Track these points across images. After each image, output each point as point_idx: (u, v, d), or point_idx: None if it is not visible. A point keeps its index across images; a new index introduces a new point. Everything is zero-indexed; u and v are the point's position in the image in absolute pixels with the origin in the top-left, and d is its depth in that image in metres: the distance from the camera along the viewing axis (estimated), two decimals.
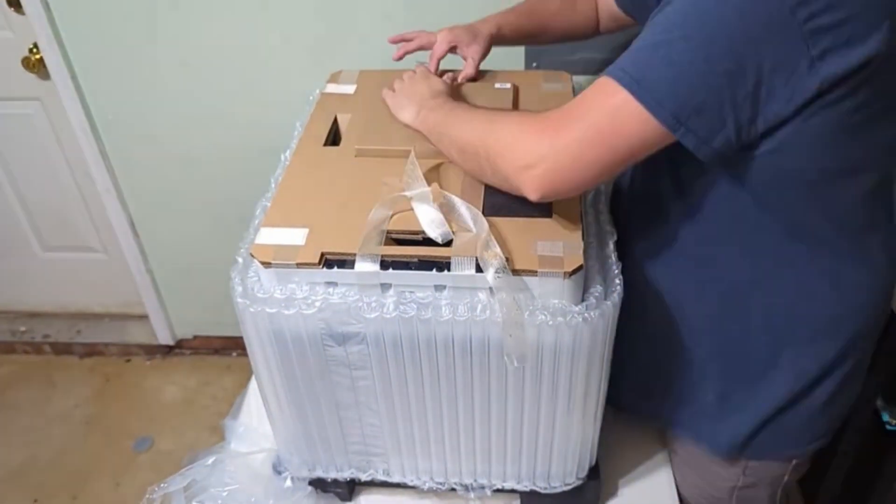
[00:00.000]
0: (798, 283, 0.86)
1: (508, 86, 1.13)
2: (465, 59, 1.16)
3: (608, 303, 0.83)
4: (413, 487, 1.07)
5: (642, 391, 1.06)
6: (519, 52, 1.60)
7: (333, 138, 1.07)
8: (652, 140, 0.72)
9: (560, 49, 1.23)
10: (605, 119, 0.73)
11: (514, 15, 1.18)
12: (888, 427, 1.46)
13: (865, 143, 0.75)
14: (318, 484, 1.08)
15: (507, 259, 0.81)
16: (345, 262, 0.83)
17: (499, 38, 1.16)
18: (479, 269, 0.81)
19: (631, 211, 0.98)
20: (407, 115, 1.00)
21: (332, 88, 1.17)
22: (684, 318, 0.95)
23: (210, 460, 1.08)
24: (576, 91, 1.16)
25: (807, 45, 0.65)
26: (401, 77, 1.08)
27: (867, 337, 0.94)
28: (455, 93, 1.09)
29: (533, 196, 0.77)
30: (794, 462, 1.02)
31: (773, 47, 0.66)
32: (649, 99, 0.69)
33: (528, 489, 1.05)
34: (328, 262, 0.84)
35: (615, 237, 0.92)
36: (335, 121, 1.09)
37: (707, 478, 1.07)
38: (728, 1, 0.67)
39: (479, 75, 1.18)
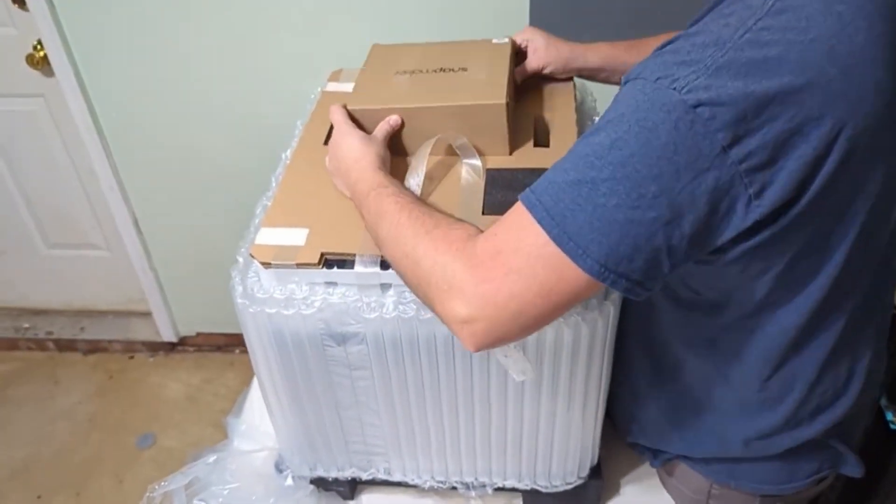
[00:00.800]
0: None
1: (506, 40, 1.08)
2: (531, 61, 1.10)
3: (608, 302, 0.83)
4: (414, 486, 1.07)
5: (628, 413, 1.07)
6: None
7: None
8: (585, 287, 0.65)
9: (566, 37, 1.22)
10: (537, 271, 0.65)
11: (618, 55, 1.11)
12: (892, 426, 1.46)
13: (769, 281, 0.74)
14: (320, 483, 1.08)
15: None
16: (345, 263, 0.83)
17: (590, 74, 1.12)
18: None
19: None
20: (339, 185, 0.92)
21: (332, 87, 1.17)
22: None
23: (212, 458, 1.08)
24: (577, 88, 1.15)
25: (743, 184, 0.61)
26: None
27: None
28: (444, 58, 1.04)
29: (472, 349, 0.70)
30: (759, 497, 0.98)
31: (706, 186, 0.61)
32: (573, 247, 0.63)
33: (529, 488, 1.05)
34: (328, 262, 0.84)
35: None
36: None
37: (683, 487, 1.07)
38: (652, 143, 0.61)
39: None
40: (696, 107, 0.59)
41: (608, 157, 0.62)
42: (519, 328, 0.68)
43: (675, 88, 0.60)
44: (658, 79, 0.62)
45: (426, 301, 0.73)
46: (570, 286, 0.65)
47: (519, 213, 0.67)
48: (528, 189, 0.67)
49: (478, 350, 0.70)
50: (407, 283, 0.77)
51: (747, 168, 0.60)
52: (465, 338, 0.69)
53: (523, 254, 0.65)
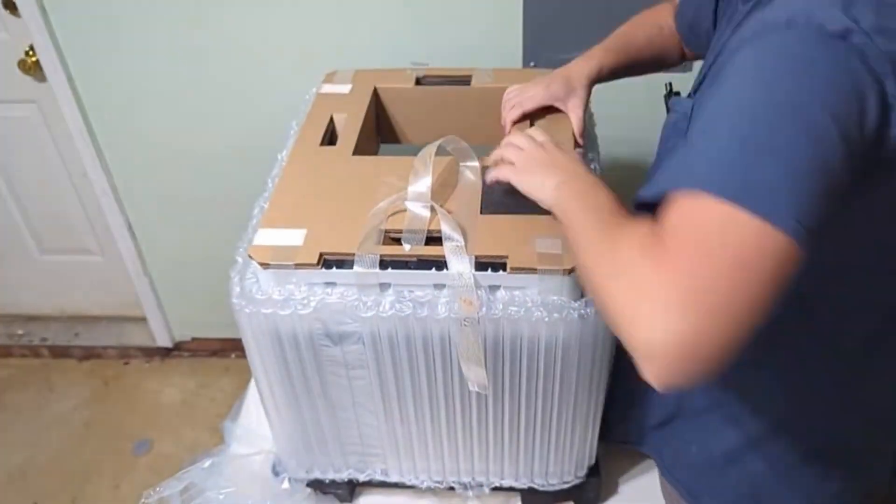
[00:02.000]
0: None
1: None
2: (567, 112, 1.06)
3: None
4: (411, 487, 1.07)
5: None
6: (516, 50, 1.60)
7: (330, 138, 1.07)
8: (786, 256, 0.56)
9: (557, 48, 1.23)
10: (738, 256, 0.56)
11: (611, 54, 1.06)
12: None
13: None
14: (317, 485, 1.08)
15: (505, 259, 0.81)
16: (343, 263, 0.83)
17: (596, 81, 1.07)
18: (479, 268, 0.81)
19: None
20: (549, 182, 0.82)
21: (327, 88, 1.17)
22: None
23: (207, 463, 1.08)
24: None
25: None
26: (509, 143, 0.92)
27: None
28: None
29: (657, 382, 0.58)
30: None
31: (870, 105, 0.58)
32: (769, 207, 0.56)
33: (526, 487, 1.05)
34: (326, 262, 0.83)
35: None
36: (331, 120, 1.08)
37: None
38: (813, 77, 0.58)
39: (471, 78, 1.17)
40: (842, 36, 0.58)
41: (770, 107, 0.58)
42: (722, 343, 0.56)
43: (813, 23, 0.59)
44: (788, 21, 0.60)
45: (605, 310, 0.63)
46: (770, 257, 0.56)
47: (686, 206, 0.59)
48: (676, 177, 0.61)
49: (665, 386, 0.58)
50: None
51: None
52: (655, 364, 0.57)
53: (710, 240, 0.57)
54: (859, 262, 0.72)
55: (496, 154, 0.93)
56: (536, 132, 0.92)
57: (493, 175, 0.90)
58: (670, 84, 0.92)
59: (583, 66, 1.05)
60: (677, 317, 0.55)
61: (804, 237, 0.56)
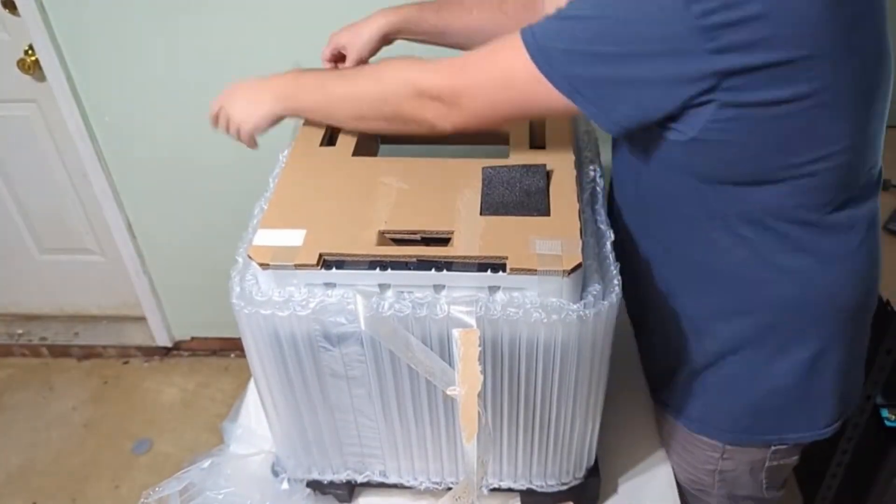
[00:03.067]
0: (772, 269, 0.88)
1: None
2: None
3: (605, 302, 0.83)
4: (410, 488, 1.07)
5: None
6: None
7: (330, 138, 1.07)
8: (548, 102, 0.79)
9: None
10: (504, 75, 0.81)
11: (422, 12, 1.14)
12: (887, 423, 1.46)
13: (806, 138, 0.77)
14: (316, 486, 1.08)
15: (504, 260, 0.81)
16: (343, 263, 0.83)
17: (394, 34, 1.15)
18: (478, 269, 0.81)
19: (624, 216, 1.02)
20: (266, 103, 1.01)
21: None
22: (678, 310, 0.98)
23: (206, 463, 1.08)
24: None
25: (702, 38, 0.69)
26: (212, 104, 1.10)
27: (841, 332, 0.94)
28: None
29: (447, 130, 0.88)
30: (772, 448, 1.03)
31: (667, 36, 0.70)
32: (547, 67, 0.76)
33: (524, 488, 1.05)
34: (326, 263, 0.83)
35: (612, 237, 0.92)
36: None
37: (691, 459, 1.09)
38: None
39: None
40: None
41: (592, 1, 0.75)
42: (486, 110, 0.85)
43: None
44: None
45: (393, 113, 0.90)
46: (536, 96, 0.80)
47: (506, 40, 0.81)
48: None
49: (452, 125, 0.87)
50: (367, 117, 0.94)
51: (706, 24, 0.68)
52: (437, 117, 0.86)
53: (496, 62, 0.82)
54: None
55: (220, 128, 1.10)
56: None
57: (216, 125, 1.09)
58: None
59: (377, 18, 1.14)
60: (447, 86, 0.85)
61: (573, 94, 0.77)
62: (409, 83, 0.87)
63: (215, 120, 1.08)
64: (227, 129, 1.07)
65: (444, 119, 0.86)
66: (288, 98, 0.99)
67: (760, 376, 0.96)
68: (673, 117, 0.77)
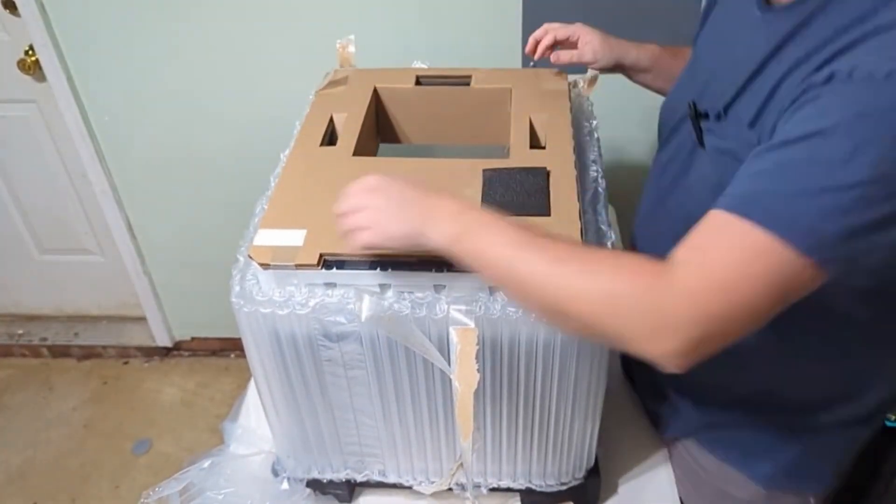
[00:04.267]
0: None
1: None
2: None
3: None
4: (409, 487, 1.07)
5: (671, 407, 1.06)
6: (516, 50, 1.60)
7: (330, 138, 1.07)
8: (811, 285, 0.64)
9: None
10: (765, 287, 0.63)
11: (664, 59, 1.13)
12: (887, 423, 1.46)
13: None
14: (316, 486, 1.08)
15: None
16: (344, 264, 0.83)
17: (627, 61, 1.13)
18: None
19: None
20: (432, 237, 0.73)
21: (327, 88, 1.17)
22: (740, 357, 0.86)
23: (206, 463, 1.08)
24: (570, 87, 1.15)
25: None
26: (349, 194, 0.79)
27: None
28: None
29: (681, 368, 0.66)
30: (811, 499, 1.00)
31: None
32: (825, 254, 0.62)
33: (524, 487, 1.05)
34: (327, 263, 0.83)
35: (614, 237, 0.92)
36: (331, 120, 1.08)
37: (710, 494, 1.05)
38: None
39: (471, 78, 1.17)
40: None
41: (854, 162, 0.59)
42: (728, 334, 0.65)
43: None
44: (889, 74, 0.60)
45: (613, 342, 0.67)
46: (796, 284, 0.63)
47: (728, 231, 0.64)
48: (732, 198, 0.65)
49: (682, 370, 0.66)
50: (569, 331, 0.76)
51: None
52: (668, 362, 0.65)
53: (735, 262, 0.63)
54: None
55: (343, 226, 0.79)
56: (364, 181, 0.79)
57: (353, 245, 0.78)
58: (694, 104, 0.86)
59: (632, 48, 1.11)
60: (691, 329, 0.63)
61: (826, 266, 0.62)
62: (649, 304, 0.64)
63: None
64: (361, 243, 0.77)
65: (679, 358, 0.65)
66: (455, 245, 0.72)
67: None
68: None
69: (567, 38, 1.13)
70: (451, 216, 0.73)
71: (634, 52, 1.12)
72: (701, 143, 0.84)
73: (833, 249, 0.61)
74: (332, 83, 1.18)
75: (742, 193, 0.65)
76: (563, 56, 1.12)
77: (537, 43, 1.14)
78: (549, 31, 1.12)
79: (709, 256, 0.64)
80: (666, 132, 0.98)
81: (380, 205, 0.76)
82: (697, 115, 0.85)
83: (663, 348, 0.64)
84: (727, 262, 0.63)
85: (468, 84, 1.17)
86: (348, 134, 1.05)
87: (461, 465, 0.86)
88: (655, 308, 0.63)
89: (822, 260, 0.61)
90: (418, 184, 0.77)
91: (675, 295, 0.63)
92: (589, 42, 1.11)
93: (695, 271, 0.63)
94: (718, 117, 0.81)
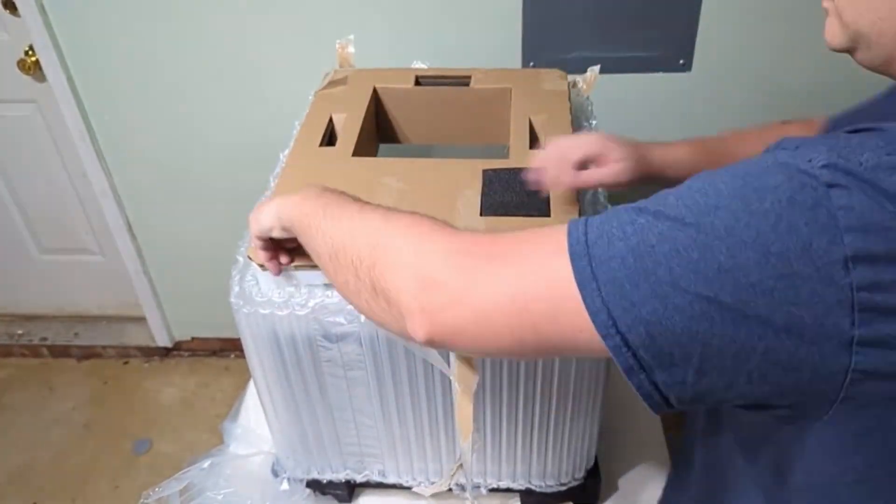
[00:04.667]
0: None
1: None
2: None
3: None
4: (409, 488, 1.07)
5: None
6: (516, 50, 1.60)
7: (329, 138, 1.07)
8: (585, 344, 0.51)
9: (556, 47, 1.23)
10: (538, 289, 0.52)
11: (693, 151, 0.89)
12: None
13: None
14: (316, 486, 1.08)
15: None
16: None
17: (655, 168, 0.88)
18: None
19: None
20: (277, 202, 0.76)
21: (327, 88, 1.17)
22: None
23: (206, 463, 1.08)
24: (570, 87, 1.16)
25: (851, 317, 0.45)
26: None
27: None
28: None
29: (419, 336, 0.57)
30: None
31: (802, 302, 0.45)
32: (595, 298, 0.49)
33: (523, 488, 1.05)
34: None
35: None
36: (330, 121, 1.08)
37: None
38: (751, 205, 0.46)
39: (470, 78, 1.17)
40: (830, 186, 0.45)
41: (689, 199, 0.49)
42: (477, 338, 0.56)
43: (810, 160, 0.47)
44: (797, 147, 0.49)
45: (368, 276, 0.61)
46: (570, 332, 0.51)
47: (548, 231, 0.55)
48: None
49: (426, 341, 0.57)
50: (340, 271, 0.65)
51: (865, 303, 0.45)
52: (418, 312, 0.56)
53: (529, 258, 0.54)
54: None
55: None
56: None
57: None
58: None
59: (654, 147, 0.88)
60: (446, 296, 0.55)
61: (613, 337, 0.49)
62: (417, 250, 0.59)
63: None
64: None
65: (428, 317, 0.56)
66: (291, 213, 0.74)
67: None
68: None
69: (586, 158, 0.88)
70: (287, 199, 0.75)
71: (660, 157, 0.89)
72: None
73: (613, 297, 0.49)
74: (332, 83, 1.18)
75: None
76: (591, 177, 0.87)
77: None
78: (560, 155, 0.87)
79: (506, 247, 0.56)
80: None
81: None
82: None
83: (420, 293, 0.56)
84: (519, 254, 0.55)
85: (468, 84, 1.17)
86: (348, 134, 1.05)
87: (461, 465, 0.86)
88: (433, 258, 0.57)
89: (587, 289, 0.50)
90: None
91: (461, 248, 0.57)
92: (616, 159, 0.86)
93: (485, 245, 0.57)
94: None
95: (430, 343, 0.57)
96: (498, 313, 0.54)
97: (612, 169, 0.86)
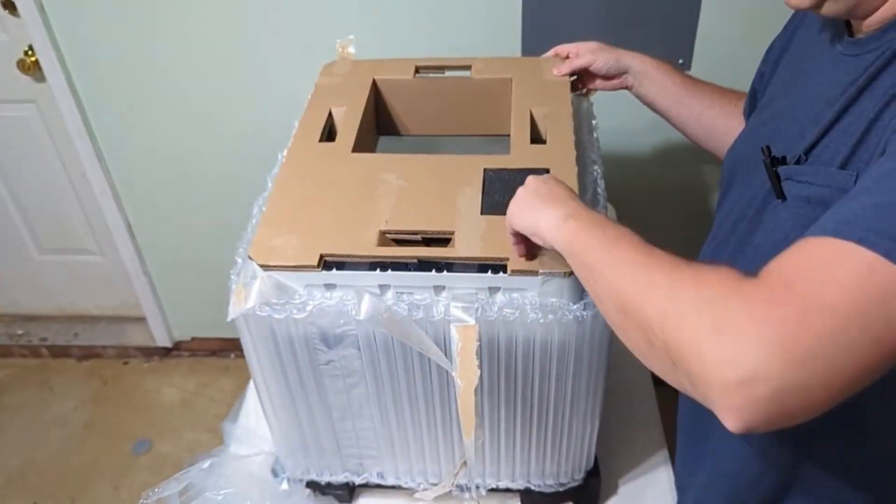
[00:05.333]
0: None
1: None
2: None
3: None
4: (408, 489, 1.07)
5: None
6: (515, 45, 1.60)
7: (329, 133, 1.06)
8: None
9: (555, 42, 1.21)
10: (862, 304, 0.48)
11: (674, 75, 1.11)
12: None
13: None
14: (316, 487, 1.08)
15: (505, 262, 0.80)
16: (344, 265, 0.83)
17: (640, 77, 1.12)
18: (479, 270, 0.81)
19: None
20: (548, 217, 0.72)
21: (325, 80, 1.15)
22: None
23: (206, 464, 1.08)
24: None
25: None
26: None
27: None
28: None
29: (736, 427, 0.51)
30: None
31: None
32: None
33: (523, 488, 1.05)
34: (326, 264, 0.83)
35: None
36: (330, 115, 1.07)
37: None
38: None
39: (471, 67, 1.16)
40: None
41: None
42: (818, 397, 0.49)
43: None
44: None
45: (666, 352, 0.55)
46: None
47: (821, 248, 0.52)
48: (829, 222, 0.53)
49: (745, 430, 0.51)
50: (630, 332, 0.59)
51: None
52: (736, 407, 0.49)
53: (838, 284, 0.49)
54: None
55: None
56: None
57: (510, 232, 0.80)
58: (768, 148, 0.75)
59: (637, 55, 1.11)
60: (770, 354, 0.48)
61: None
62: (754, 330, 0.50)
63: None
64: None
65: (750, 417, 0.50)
66: (565, 238, 0.70)
67: None
68: None
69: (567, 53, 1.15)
70: (562, 203, 0.73)
71: (638, 59, 1.12)
72: (779, 193, 0.74)
73: None
74: (331, 75, 1.16)
75: (835, 218, 0.53)
76: (563, 68, 1.13)
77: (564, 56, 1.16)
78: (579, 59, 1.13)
79: (799, 279, 0.51)
80: (727, 185, 0.90)
81: (533, 189, 0.77)
82: (774, 162, 0.74)
83: (735, 384, 0.49)
84: (824, 282, 0.50)
85: (468, 70, 1.16)
86: (347, 129, 1.04)
87: (465, 463, 0.86)
88: (733, 307, 0.51)
89: None
90: (568, 188, 0.78)
91: (762, 301, 0.50)
92: (585, 46, 1.13)
93: (783, 290, 0.50)
94: (798, 161, 0.72)
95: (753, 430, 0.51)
96: (833, 371, 0.48)
97: (579, 57, 1.12)
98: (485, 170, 0.94)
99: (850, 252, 0.50)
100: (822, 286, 0.49)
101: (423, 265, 0.82)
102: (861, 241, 0.50)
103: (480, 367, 0.80)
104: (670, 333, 0.54)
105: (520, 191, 0.79)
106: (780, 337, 0.48)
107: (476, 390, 0.89)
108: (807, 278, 0.50)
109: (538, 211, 0.74)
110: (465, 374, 0.77)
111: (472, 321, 0.79)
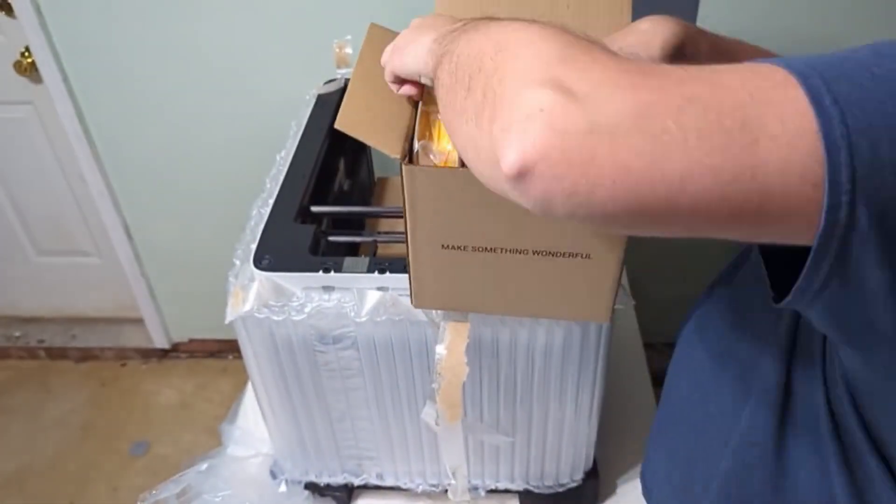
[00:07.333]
0: None
1: None
2: None
3: None
4: (407, 490, 1.07)
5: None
6: None
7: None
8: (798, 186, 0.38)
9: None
10: (742, 98, 0.38)
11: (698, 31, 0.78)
12: None
13: None
14: (315, 488, 1.08)
15: None
16: (342, 265, 0.83)
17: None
18: None
19: None
20: (423, 41, 0.63)
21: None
22: None
23: (204, 465, 1.08)
24: None
25: None
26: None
27: None
28: None
29: (511, 159, 0.40)
30: None
31: None
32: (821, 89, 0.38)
33: (522, 489, 1.05)
34: (325, 267, 0.83)
35: None
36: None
37: None
38: None
39: None
40: None
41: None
42: (605, 182, 0.39)
43: None
44: None
45: (482, 90, 0.45)
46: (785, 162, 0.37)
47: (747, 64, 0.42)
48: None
49: (540, 202, 0.41)
50: (456, 94, 0.49)
51: None
52: (516, 136, 0.40)
53: (728, 79, 0.40)
54: None
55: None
56: None
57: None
58: None
59: (670, 24, 0.72)
60: (593, 95, 0.39)
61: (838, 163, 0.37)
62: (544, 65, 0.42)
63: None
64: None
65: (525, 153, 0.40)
66: (439, 45, 0.59)
67: None
68: None
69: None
70: (441, 25, 0.63)
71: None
72: None
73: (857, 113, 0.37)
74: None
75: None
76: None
77: None
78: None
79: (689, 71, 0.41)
80: None
81: (406, 32, 0.71)
82: None
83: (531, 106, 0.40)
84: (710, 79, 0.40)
85: None
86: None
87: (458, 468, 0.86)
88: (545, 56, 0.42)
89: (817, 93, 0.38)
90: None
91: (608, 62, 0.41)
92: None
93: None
94: None
95: (522, 174, 0.40)
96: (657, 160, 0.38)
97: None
98: None
99: (771, 71, 0.40)
100: (699, 80, 0.40)
101: None
102: (795, 72, 0.39)
103: (479, 370, 0.80)
104: (500, 63, 0.45)
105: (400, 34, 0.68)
106: (605, 93, 0.39)
107: (476, 391, 0.89)
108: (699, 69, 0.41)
109: (419, 42, 0.64)
110: (451, 369, 0.77)
111: (466, 319, 0.79)
